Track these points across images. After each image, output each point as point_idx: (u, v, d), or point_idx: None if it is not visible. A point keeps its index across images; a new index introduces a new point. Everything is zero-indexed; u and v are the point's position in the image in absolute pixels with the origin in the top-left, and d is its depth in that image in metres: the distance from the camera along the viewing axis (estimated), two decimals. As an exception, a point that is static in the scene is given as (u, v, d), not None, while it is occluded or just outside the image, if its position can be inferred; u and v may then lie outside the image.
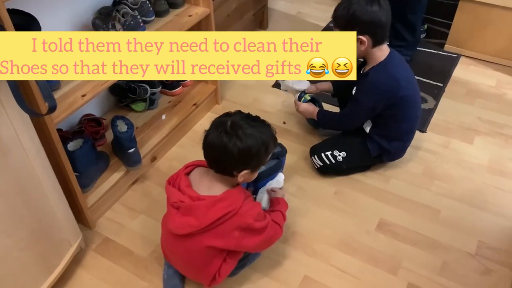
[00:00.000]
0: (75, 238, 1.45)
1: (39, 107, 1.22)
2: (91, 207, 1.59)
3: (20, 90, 1.05)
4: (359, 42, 1.52)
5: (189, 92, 2.08)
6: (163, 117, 1.94)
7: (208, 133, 1.22)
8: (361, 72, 1.64)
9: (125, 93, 1.91)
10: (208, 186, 1.24)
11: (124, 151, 1.65)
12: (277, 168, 1.50)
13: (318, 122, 1.85)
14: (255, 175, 1.28)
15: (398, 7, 1.96)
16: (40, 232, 1.28)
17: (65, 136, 1.60)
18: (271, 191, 1.47)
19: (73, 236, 1.44)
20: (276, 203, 1.43)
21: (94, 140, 1.71)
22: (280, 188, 1.50)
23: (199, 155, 1.88)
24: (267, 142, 1.21)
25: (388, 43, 1.62)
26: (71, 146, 1.56)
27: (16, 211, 1.17)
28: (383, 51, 1.58)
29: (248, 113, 1.26)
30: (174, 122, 1.93)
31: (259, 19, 2.61)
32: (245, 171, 1.21)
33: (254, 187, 1.46)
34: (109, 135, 1.80)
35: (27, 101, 1.11)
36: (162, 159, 1.89)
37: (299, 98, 1.89)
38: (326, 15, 2.76)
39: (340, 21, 1.55)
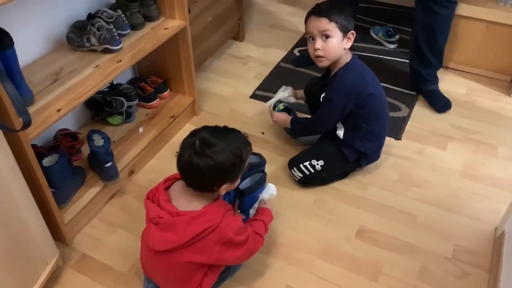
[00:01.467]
0: (52, 256, 1.42)
1: (12, 123, 1.19)
2: (68, 223, 1.56)
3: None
4: (348, 39, 1.61)
5: (166, 104, 2.07)
6: (141, 130, 1.92)
7: (179, 156, 1.20)
8: (330, 76, 1.71)
9: (101, 107, 1.89)
10: (188, 201, 1.23)
11: (101, 166, 1.62)
12: (263, 181, 1.50)
13: (292, 130, 1.87)
14: (237, 183, 1.27)
15: (428, 33, 2.06)
16: (15, 250, 1.25)
17: (40, 152, 1.57)
18: (261, 201, 1.47)
19: (49, 254, 1.41)
20: (261, 213, 1.43)
21: (70, 155, 1.69)
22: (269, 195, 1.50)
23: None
24: (240, 152, 1.20)
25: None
26: (47, 161, 1.53)
27: (-10, 230, 1.14)
28: (349, 54, 1.66)
29: (215, 125, 1.25)
30: (152, 135, 1.92)
31: (235, 32, 2.63)
32: (225, 185, 1.21)
33: (241, 201, 1.46)
34: (86, 150, 1.78)
35: (0, 117, 1.09)
36: (140, 173, 1.87)
37: (274, 108, 1.92)
38: (300, 26, 2.80)
39: (340, 13, 1.58)
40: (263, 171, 1.53)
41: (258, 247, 1.35)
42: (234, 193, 1.45)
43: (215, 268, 1.29)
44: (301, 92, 1.99)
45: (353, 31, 1.61)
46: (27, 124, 1.03)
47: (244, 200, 1.45)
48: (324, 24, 1.58)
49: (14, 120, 1.19)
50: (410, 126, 2.09)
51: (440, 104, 2.18)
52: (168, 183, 1.28)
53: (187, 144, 1.19)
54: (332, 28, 1.57)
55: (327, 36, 1.58)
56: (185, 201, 1.23)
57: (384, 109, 1.75)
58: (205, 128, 1.23)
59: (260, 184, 1.48)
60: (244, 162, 1.23)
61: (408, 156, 1.94)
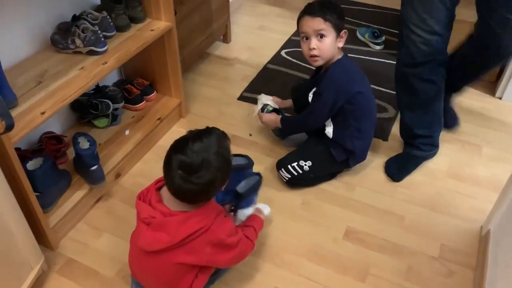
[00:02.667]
0: (37, 261, 1.40)
1: (-5, 126, 1.17)
2: (53, 227, 1.53)
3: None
4: (341, 37, 1.64)
5: (153, 107, 2.06)
6: (127, 132, 1.91)
7: (165, 176, 1.17)
8: (320, 73, 1.73)
9: (87, 109, 1.87)
10: (180, 202, 1.22)
11: (87, 169, 1.60)
12: (259, 184, 1.51)
13: (283, 129, 1.88)
14: (226, 183, 1.26)
15: (475, 67, 1.85)
16: (-2, 256, 1.23)
17: (24, 155, 1.55)
18: (257, 210, 1.48)
19: (34, 259, 1.38)
20: (252, 219, 1.44)
21: (55, 158, 1.66)
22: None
23: (165, 170, 1.88)
24: (222, 156, 1.16)
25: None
26: (31, 165, 1.51)
27: (-28, 235, 1.12)
28: (340, 53, 1.68)
29: (188, 134, 1.19)
30: (138, 138, 1.90)
31: (222, 33, 2.63)
32: (219, 190, 1.22)
33: (237, 203, 1.46)
34: (71, 153, 1.76)
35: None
36: (126, 176, 1.86)
37: (262, 110, 1.92)
38: (287, 28, 2.81)
39: (335, 14, 1.60)
40: (259, 174, 1.54)
41: (248, 251, 1.35)
42: (230, 195, 1.45)
43: (205, 270, 1.28)
44: (289, 102, 1.99)
45: (345, 30, 1.64)
46: (9, 127, 1.01)
47: (240, 202, 1.45)
48: (319, 23, 1.59)
49: (1, 125, 1.17)
50: (396, 127, 2.10)
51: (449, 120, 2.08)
52: (159, 184, 1.27)
53: (170, 167, 1.13)
54: (327, 27, 1.59)
55: (322, 36, 1.60)
56: (177, 202, 1.21)
57: (372, 108, 1.77)
58: (179, 145, 1.16)
59: (256, 187, 1.49)
60: (229, 163, 1.21)
61: (395, 157, 1.95)
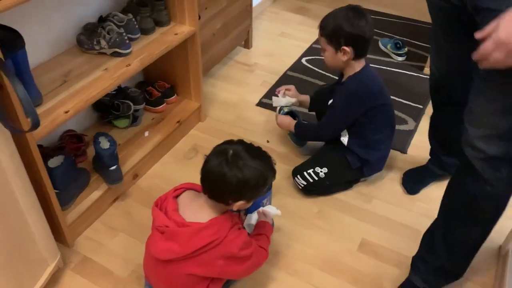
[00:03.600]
0: (53, 258, 1.42)
1: (20, 124, 1.20)
2: (70, 225, 1.55)
3: (2, 106, 1.04)
4: (342, 52, 1.60)
5: (172, 109, 2.08)
6: (146, 134, 1.92)
7: (208, 160, 1.20)
8: (339, 83, 1.74)
9: (108, 110, 1.89)
10: (196, 212, 1.22)
11: (106, 169, 1.62)
12: (269, 188, 1.51)
13: (295, 133, 1.88)
14: (250, 204, 1.27)
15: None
16: (16, 251, 1.24)
17: (45, 153, 1.57)
18: (262, 213, 1.47)
19: (51, 255, 1.40)
20: (262, 226, 1.43)
21: (75, 156, 1.69)
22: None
23: (181, 173, 1.89)
24: (266, 175, 1.22)
25: None
26: (52, 162, 1.53)
27: (-7, 230, 1.14)
28: (360, 64, 1.66)
29: (250, 143, 1.26)
30: (157, 139, 1.92)
31: (243, 38, 2.64)
32: (240, 202, 1.21)
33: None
34: (91, 152, 1.78)
35: (8, 117, 1.09)
36: (143, 177, 1.87)
37: (279, 111, 1.92)
38: (309, 36, 2.81)
39: (327, 30, 1.61)
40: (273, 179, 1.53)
41: (262, 261, 1.34)
42: None
43: (217, 281, 1.28)
44: (306, 97, 1.99)
45: (346, 48, 1.57)
46: (35, 125, 1.03)
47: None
48: (319, 37, 1.66)
49: (22, 121, 1.19)
50: (416, 140, 2.09)
51: None
52: (177, 192, 1.28)
53: (220, 150, 1.20)
54: (323, 42, 1.64)
55: (323, 49, 1.66)
56: (193, 212, 1.22)
57: (391, 120, 1.75)
58: (241, 142, 1.24)
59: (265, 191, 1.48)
60: (266, 186, 1.24)
61: (413, 170, 1.93)
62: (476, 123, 1.12)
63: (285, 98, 1.95)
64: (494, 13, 0.94)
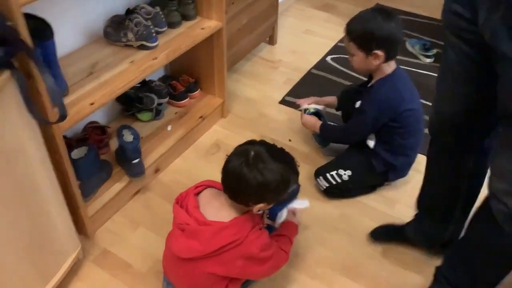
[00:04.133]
0: (74, 249, 1.42)
1: (47, 114, 1.19)
2: (91, 216, 1.55)
3: (31, 97, 1.03)
4: (374, 57, 1.55)
5: (195, 104, 2.06)
6: (169, 128, 1.92)
7: (229, 160, 1.18)
8: (368, 86, 1.69)
9: (132, 102, 1.89)
10: (217, 210, 1.20)
11: (128, 162, 1.62)
12: (296, 193, 1.48)
13: (321, 135, 1.84)
14: (271, 206, 1.25)
15: None
16: (39, 241, 1.25)
17: (69, 144, 1.57)
18: (290, 212, 1.44)
19: (72, 247, 1.41)
20: (287, 227, 1.40)
21: (97, 148, 1.69)
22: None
23: (202, 169, 1.88)
24: (288, 178, 1.18)
25: None
26: (75, 154, 1.54)
27: (18, 220, 1.14)
28: (390, 66, 1.62)
29: (273, 144, 1.23)
30: (180, 134, 1.90)
31: (268, 34, 2.61)
32: (261, 204, 1.19)
33: (271, 209, 1.43)
34: (113, 144, 1.78)
35: (36, 108, 1.09)
36: (165, 171, 1.86)
37: (304, 111, 1.90)
38: (334, 34, 2.77)
39: (356, 35, 1.56)
40: (297, 183, 1.50)
41: (282, 263, 1.32)
42: None
43: (236, 280, 1.26)
44: (332, 99, 1.95)
45: (378, 51, 1.53)
46: (62, 116, 1.02)
47: (274, 208, 1.42)
48: (346, 42, 1.60)
49: (48, 111, 1.19)
50: (442, 144, 2.03)
51: None
52: (198, 189, 1.26)
53: (241, 151, 1.17)
54: (352, 48, 1.58)
55: (351, 54, 1.60)
56: (214, 210, 1.20)
57: (420, 125, 1.70)
58: (264, 142, 1.21)
59: (293, 196, 1.45)
60: (288, 189, 1.21)
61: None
62: (502, 176, 1.01)
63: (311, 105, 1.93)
64: None
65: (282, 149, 1.24)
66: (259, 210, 1.24)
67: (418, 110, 1.67)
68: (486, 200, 1.09)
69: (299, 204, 1.46)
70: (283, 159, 1.20)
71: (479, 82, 1.10)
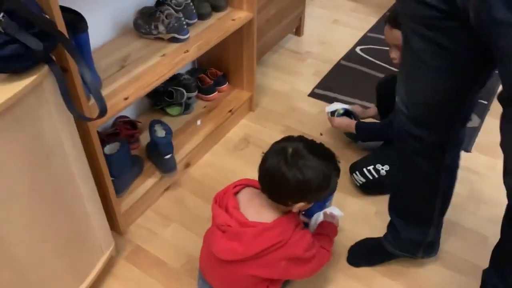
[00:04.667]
0: (108, 246, 1.40)
1: (82, 110, 1.16)
2: (124, 213, 1.53)
3: (70, 93, 1.00)
4: None
5: (224, 98, 2.02)
6: (199, 123, 1.88)
7: (266, 158, 1.12)
8: None
9: (161, 96, 1.86)
10: (258, 211, 1.16)
11: (161, 157, 1.59)
12: (333, 190, 1.43)
13: (357, 134, 1.78)
14: (311, 205, 1.20)
15: None
16: (75, 239, 1.23)
17: (101, 139, 1.54)
18: (328, 214, 1.39)
19: (106, 244, 1.39)
20: (326, 226, 1.36)
21: (128, 143, 1.66)
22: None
23: (233, 164, 1.84)
24: (329, 176, 1.12)
25: None
26: (108, 149, 1.51)
27: (56, 217, 1.12)
28: None
29: (312, 140, 1.17)
30: (209, 128, 1.87)
31: (295, 25, 2.55)
32: (301, 203, 1.14)
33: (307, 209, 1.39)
34: (143, 139, 1.75)
35: (74, 103, 1.06)
36: (195, 166, 1.83)
37: (332, 114, 1.83)
38: (363, 24, 2.69)
39: (394, 22, 1.48)
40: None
41: (324, 262, 1.28)
42: None
43: (277, 281, 1.23)
44: (372, 111, 1.88)
45: None
46: (103, 112, 0.99)
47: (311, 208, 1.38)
48: (396, 35, 1.49)
49: (85, 107, 1.16)
50: (480, 138, 1.96)
51: None
52: (237, 188, 1.22)
53: (278, 148, 1.12)
54: (397, 40, 1.48)
55: (399, 48, 1.50)
56: (255, 210, 1.16)
57: None
58: (302, 138, 1.16)
59: (331, 192, 1.40)
60: (329, 187, 1.15)
61: (478, 171, 1.81)
62: None
63: (339, 103, 1.86)
64: None
65: (321, 144, 1.18)
66: (299, 210, 1.19)
67: None
68: None
69: (335, 210, 1.42)
70: (323, 155, 1.14)
71: (454, 72, 1.00)
